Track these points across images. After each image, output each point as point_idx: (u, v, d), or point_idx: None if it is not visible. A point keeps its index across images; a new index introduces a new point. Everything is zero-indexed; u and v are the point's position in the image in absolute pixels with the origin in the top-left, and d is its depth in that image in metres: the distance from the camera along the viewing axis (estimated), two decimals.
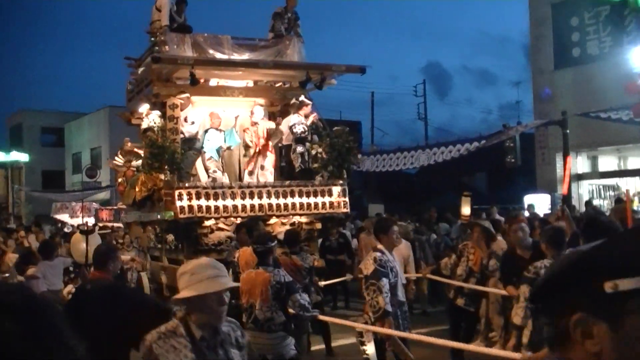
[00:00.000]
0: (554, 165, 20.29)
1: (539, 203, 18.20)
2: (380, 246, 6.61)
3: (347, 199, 11.05)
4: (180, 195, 9.95)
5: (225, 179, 11.03)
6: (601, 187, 20.76)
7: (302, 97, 11.60)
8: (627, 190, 10.94)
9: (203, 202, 10.04)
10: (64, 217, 27.59)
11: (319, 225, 11.12)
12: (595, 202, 19.39)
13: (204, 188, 10.19)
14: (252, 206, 10.35)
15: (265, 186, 10.65)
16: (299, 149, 11.28)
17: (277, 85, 12.19)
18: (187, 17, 11.66)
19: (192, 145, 10.98)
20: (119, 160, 13.15)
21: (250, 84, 11.91)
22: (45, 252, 8.93)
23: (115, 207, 26.08)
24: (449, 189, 29.85)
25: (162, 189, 10.28)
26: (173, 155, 10.01)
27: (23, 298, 0.98)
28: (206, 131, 11.21)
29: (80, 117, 44.13)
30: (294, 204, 10.62)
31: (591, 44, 19.93)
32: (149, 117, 10.99)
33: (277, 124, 11.51)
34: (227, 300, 3.46)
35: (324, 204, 10.83)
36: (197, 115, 11.21)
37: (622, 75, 15.37)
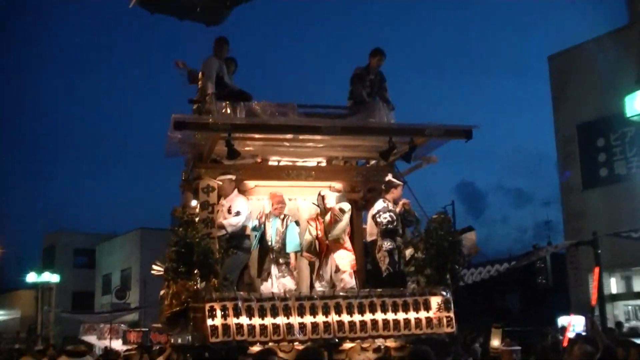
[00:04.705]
0: (587, 286, 19.92)
1: (575, 325, 17.76)
2: None
3: (451, 314, 8.12)
4: (212, 310, 7.36)
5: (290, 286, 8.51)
6: (637, 308, 20.25)
7: (389, 177, 9.10)
8: None
9: (244, 320, 7.39)
10: (91, 338, 27.49)
11: (408, 353, 7.65)
12: (632, 323, 18.88)
13: (246, 300, 7.52)
14: (315, 325, 7.57)
15: (334, 297, 7.84)
16: (386, 245, 8.64)
17: (359, 164, 9.87)
18: (234, 82, 9.57)
19: (238, 243, 8.51)
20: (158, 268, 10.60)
21: (324, 163, 9.54)
22: None
23: (144, 329, 26.03)
24: (481, 310, 29.32)
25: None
26: (205, 255, 7.62)
27: None
28: (260, 224, 8.84)
29: (112, 239, 44.73)
30: (375, 321, 7.78)
31: (618, 164, 20.01)
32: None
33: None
34: None
35: (419, 321, 7.95)
36: (245, 204, 8.68)
37: None
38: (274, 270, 8.69)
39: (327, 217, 8.80)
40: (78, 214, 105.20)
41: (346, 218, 8.82)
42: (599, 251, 15.93)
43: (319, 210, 8.97)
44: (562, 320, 18.69)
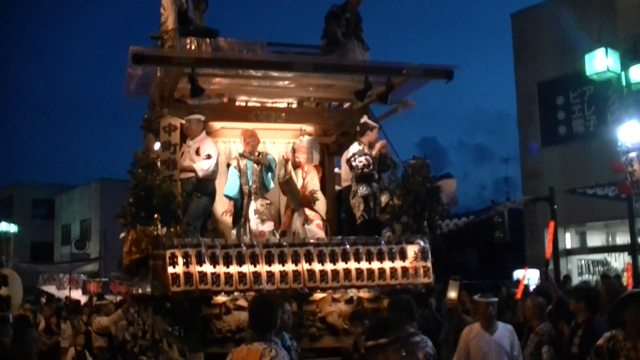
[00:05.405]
0: (543, 241, 20.40)
1: (529, 278, 18.23)
2: None
3: (429, 264, 7.60)
4: (173, 257, 6.76)
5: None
6: (590, 262, 20.84)
7: (364, 119, 8.47)
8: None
9: (208, 268, 6.79)
10: (51, 288, 27.38)
11: (387, 303, 6.83)
12: (585, 277, 19.47)
13: (210, 247, 6.93)
14: (284, 273, 7.03)
15: (304, 245, 7.29)
16: (362, 190, 8.09)
17: (333, 105, 9.20)
18: (204, 22, 8.84)
19: (203, 187, 7.87)
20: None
21: (295, 104, 8.87)
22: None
23: (104, 279, 25.99)
24: (440, 264, 29.85)
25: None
26: (166, 199, 7.02)
27: None
28: (228, 165, 8.38)
29: (71, 189, 44.32)
30: (348, 271, 7.23)
31: (577, 122, 20.33)
32: None
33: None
34: None
35: (394, 270, 7.41)
36: (214, 146, 8.02)
37: (607, 152, 15.65)
38: (251, 214, 8.15)
39: (300, 173, 8.46)
40: (37, 165, 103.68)
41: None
42: (555, 207, 16.28)
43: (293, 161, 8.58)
44: (517, 274, 19.17)
